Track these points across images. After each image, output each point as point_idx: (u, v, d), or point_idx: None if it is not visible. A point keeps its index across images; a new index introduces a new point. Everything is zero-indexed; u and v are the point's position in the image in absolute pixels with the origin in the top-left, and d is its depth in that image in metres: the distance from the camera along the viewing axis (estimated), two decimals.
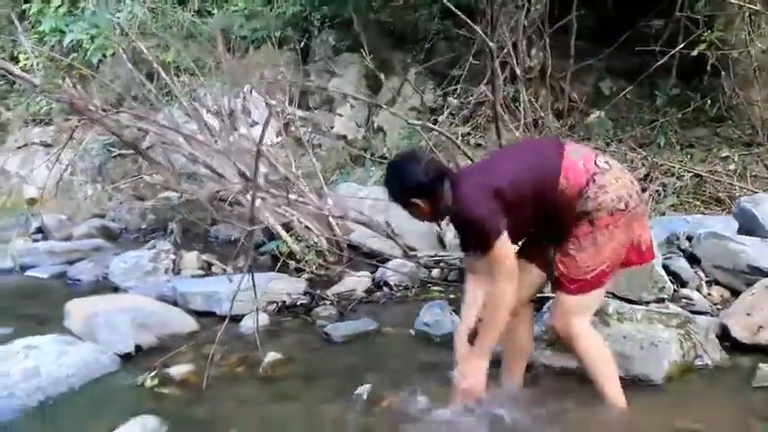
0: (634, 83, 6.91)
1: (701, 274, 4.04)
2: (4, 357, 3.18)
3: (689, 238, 4.28)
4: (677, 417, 2.64)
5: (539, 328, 3.21)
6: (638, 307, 3.30)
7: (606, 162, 2.54)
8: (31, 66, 9.10)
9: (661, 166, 5.84)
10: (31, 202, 9.04)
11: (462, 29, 6.14)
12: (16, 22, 7.55)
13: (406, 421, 2.62)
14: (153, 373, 3.18)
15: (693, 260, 4.15)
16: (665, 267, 3.86)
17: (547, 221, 2.58)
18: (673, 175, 5.76)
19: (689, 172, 5.72)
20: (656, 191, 5.51)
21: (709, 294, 3.91)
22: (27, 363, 3.14)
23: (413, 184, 2.61)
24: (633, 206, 2.51)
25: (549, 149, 2.62)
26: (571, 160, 2.51)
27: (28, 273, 6.15)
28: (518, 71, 5.21)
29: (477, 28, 3.35)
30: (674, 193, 5.53)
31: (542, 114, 5.62)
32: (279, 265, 4.93)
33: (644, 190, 5.51)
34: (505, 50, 5.79)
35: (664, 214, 5.22)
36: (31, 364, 3.13)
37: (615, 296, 3.45)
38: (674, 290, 3.73)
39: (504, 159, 2.85)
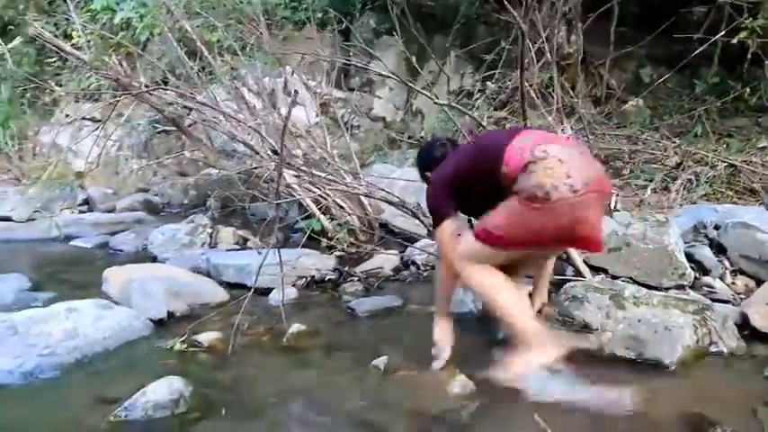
0: (673, 70, 6.82)
1: (727, 264, 4.05)
2: (46, 318, 3.34)
3: (716, 227, 4.28)
4: (685, 400, 2.68)
5: (553, 309, 3.28)
6: (655, 292, 3.33)
7: (544, 151, 2.61)
8: (84, 43, 9.37)
9: (694, 154, 5.80)
10: (78, 175, 9.33)
11: (501, 13, 6.17)
12: (69, 1, 7.75)
13: None
14: (182, 339, 3.34)
15: (721, 249, 4.16)
16: (689, 255, 3.88)
17: (501, 200, 2.72)
18: (706, 164, 5.71)
19: (723, 161, 5.66)
20: (688, 179, 5.48)
21: (733, 283, 3.92)
22: (67, 324, 3.31)
23: (425, 160, 3.14)
24: (558, 197, 2.53)
25: (504, 138, 2.79)
26: (514, 149, 2.67)
27: (73, 242, 6.45)
28: (549, 56, 5.20)
29: (512, 10, 3.37)
30: (706, 182, 5.48)
31: (575, 100, 5.60)
32: (307, 241, 5.05)
33: (675, 179, 5.50)
34: (545, 35, 5.80)
35: (695, 203, 5.19)
36: (71, 326, 3.30)
37: (634, 281, 3.49)
38: (696, 277, 3.74)
39: (465, 147, 3.19)
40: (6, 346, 3.10)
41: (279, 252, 3.75)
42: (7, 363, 2.98)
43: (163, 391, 2.59)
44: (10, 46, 10.33)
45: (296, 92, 4.38)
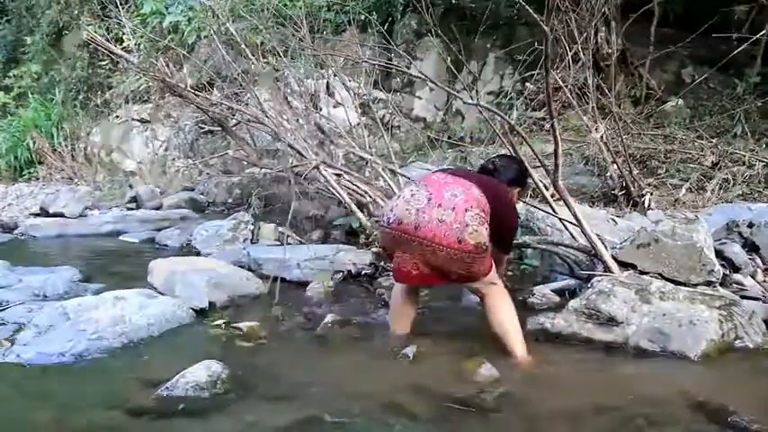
0: (712, 69, 6.77)
1: (759, 261, 4.04)
2: (96, 306, 3.53)
3: (750, 225, 4.28)
4: (705, 392, 2.71)
5: (579, 302, 3.35)
6: (681, 287, 3.38)
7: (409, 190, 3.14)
8: (134, 46, 9.68)
9: (732, 154, 5.76)
10: (128, 174, 9.65)
11: (541, 15, 6.18)
12: (119, 6, 8.04)
13: None
14: (222, 326, 3.50)
15: (753, 248, 4.16)
16: (719, 252, 3.89)
17: None
18: (744, 164, 5.67)
19: (761, 161, 5.62)
20: (725, 179, 5.45)
21: (764, 281, 3.92)
22: (115, 311, 3.49)
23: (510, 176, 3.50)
24: (383, 223, 3.17)
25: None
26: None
27: (122, 237, 6.73)
28: (583, 57, 5.23)
29: (534, 13, 3.45)
30: (743, 181, 5.45)
31: (612, 101, 5.62)
32: (346, 237, 5.18)
33: (711, 178, 5.49)
34: (584, 36, 5.82)
35: (731, 202, 5.17)
36: (118, 313, 3.48)
37: (662, 277, 3.52)
38: (726, 275, 3.75)
39: None
40: (59, 330, 3.31)
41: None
42: (60, 345, 3.18)
43: (202, 373, 2.74)
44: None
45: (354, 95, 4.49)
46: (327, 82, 8.52)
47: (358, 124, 7.42)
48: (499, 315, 3.16)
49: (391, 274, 4.67)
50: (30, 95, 11.89)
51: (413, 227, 2.99)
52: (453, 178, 3.18)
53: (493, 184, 3.31)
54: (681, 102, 7.08)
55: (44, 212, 7.80)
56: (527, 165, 3.75)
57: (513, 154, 4.19)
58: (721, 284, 3.67)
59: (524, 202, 4.55)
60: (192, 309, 3.84)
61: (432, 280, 3.13)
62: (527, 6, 3.58)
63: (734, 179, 5.50)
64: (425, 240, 2.97)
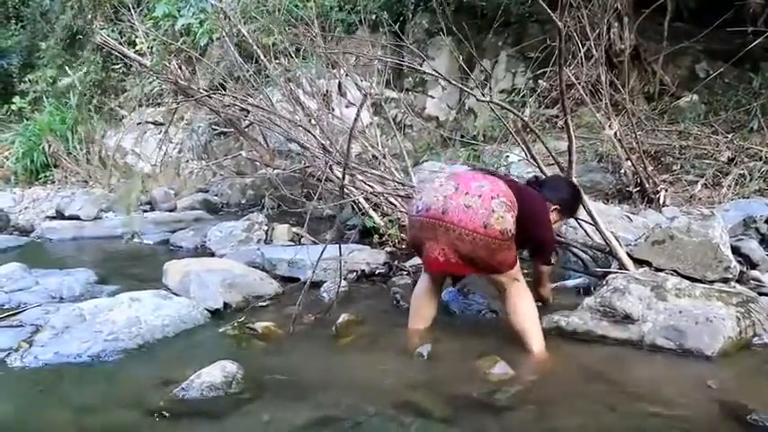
0: (727, 64, 6.71)
1: None
2: (111, 307, 3.56)
3: (767, 221, 4.25)
4: (723, 390, 2.69)
5: (594, 300, 3.33)
6: (697, 284, 3.35)
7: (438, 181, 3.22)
8: (147, 49, 9.73)
9: (747, 149, 5.71)
10: (142, 176, 9.69)
11: (554, 11, 6.15)
12: (132, 9, 8.08)
13: None
14: (237, 326, 3.52)
15: None
16: (736, 249, 3.86)
17: None
18: (760, 159, 5.62)
19: None
20: (741, 175, 5.41)
21: None
22: (130, 312, 3.52)
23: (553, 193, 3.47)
24: (409, 213, 3.30)
25: None
26: None
27: (136, 239, 6.74)
28: (596, 53, 5.20)
29: (548, 9, 3.43)
30: (759, 177, 5.40)
31: (625, 97, 5.59)
32: (360, 237, 5.18)
33: (727, 174, 5.44)
34: (597, 32, 5.79)
35: (747, 198, 5.12)
36: (133, 314, 3.51)
37: (678, 273, 3.49)
38: (742, 271, 3.72)
39: None
40: (76, 331, 3.34)
41: (339, 247, 3.94)
42: (77, 346, 3.21)
43: (217, 373, 2.74)
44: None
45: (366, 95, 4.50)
46: (339, 82, 8.54)
47: (370, 124, 7.44)
48: (520, 312, 3.17)
49: (405, 272, 4.76)
50: (45, 100, 11.97)
51: (440, 212, 3.04)
52: (482, 174, 3.25)
53: (525, 189, 3.33)
54: (695, 97, 7.04)
55: (60, 215, 7.87)
56: (581, 193, 3.70)
57: (527, 151, 4.18)
58: (738, 281, 3.64)
59: None
60: (207, 309, 3.87)
61: (458, 268, 3.12)
62: (541, 2, 3.56)
63: (750, 174, 5.44)
64: (452, 225, 3.00)
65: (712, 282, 3.51)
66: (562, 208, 3.48)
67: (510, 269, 3.13)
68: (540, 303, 3.50)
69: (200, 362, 2.86)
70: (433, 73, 4.63)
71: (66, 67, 11.68)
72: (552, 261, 3.52)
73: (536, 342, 3.12)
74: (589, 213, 3.75)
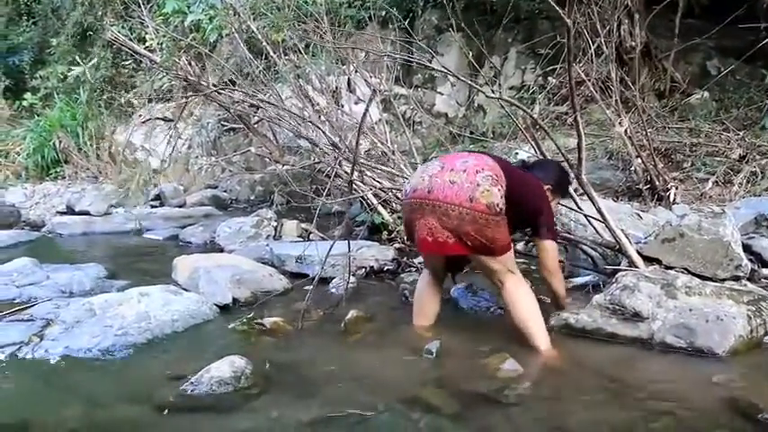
0: (738, 61, 6.67)
1: None
2: (121, 302, 3.58)
3: None
4: (734, 389, 2.67)
5: (604, 298, 3.32)
6: (708, 282, 3.33)
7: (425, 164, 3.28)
8: (157, 45, 9.75)
9: (759, 147, 5.67)
10: (152, 172, 9.73)
11: (564, 8, 6.13)
12: (142, 6, 8.10)
13: None
14: (245, 322, 3.53)
15: None
16: (747, 247, 3.84)
17: None
18: None
19: None
20: (752, 172, 5.37)
21: None
22: (140, 307, 3.54)
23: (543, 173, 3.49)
24: (402, 198, 3.29)
25: None
26: None
27: (146, 234, 6.80)
28: (606, 50, 5.18)
29: (557, 6, 3.42)
30: None
31: (636, 94, 5.56)
32: (369, 233, 5.17)
33: (738, 171, 5.41)
34: (607, 29, 5.77)
35: (759, 196, 5.09)
36: (142, 309, 3.52)
37: (688, 271, 3.48)
38: (753, 269, 3.70)
39: None
40: (86, 326, 3.36)
41: (348, 243, 3.92)
42: (87, 341, 3.23)
43: (226, 368, 2.75)
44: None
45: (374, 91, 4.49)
46: (349, 78, 8.54)
47: (380, 120, 7.44)
48: (520, 309, 3.13)
49: (414, 268, 4.76)
50: (55, 96, 12.03)
51: (426, 191, 3.05)
52: (468, 153, 3.26)
53: (515, 167, 3.34)
54: (706, 94, 7.00)
55: (70, 210, 7.92)
56: (569, 173, 3.73)
57: (536, 148, 4.17)
58: (749, 279, 3.62)
59: None
60: (216, 305, 3.87)
61: (448, 248, 3.06)
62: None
63: (762, 172, 5.41)
64: (437, 201, 3.00)
65: (723, 280, 3.49)
66: (554, 187, 3.50)
67: (503, 252, 3.09)
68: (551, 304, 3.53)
69: (208, 357, 2.87)
70: (443, 70, 4.63)
71: (79, 60, 11.72)
72: (558, 240, 3.51)
73: (540, 340, 3.09)
74: (599, 211, 3.73)
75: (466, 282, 3.95)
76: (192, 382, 2.68)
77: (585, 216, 4.10)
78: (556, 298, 3.52)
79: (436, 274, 3.49)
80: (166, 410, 2.53)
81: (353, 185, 5.77)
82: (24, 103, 12.65)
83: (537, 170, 3.53)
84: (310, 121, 6.07)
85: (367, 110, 3.72)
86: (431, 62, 8.40)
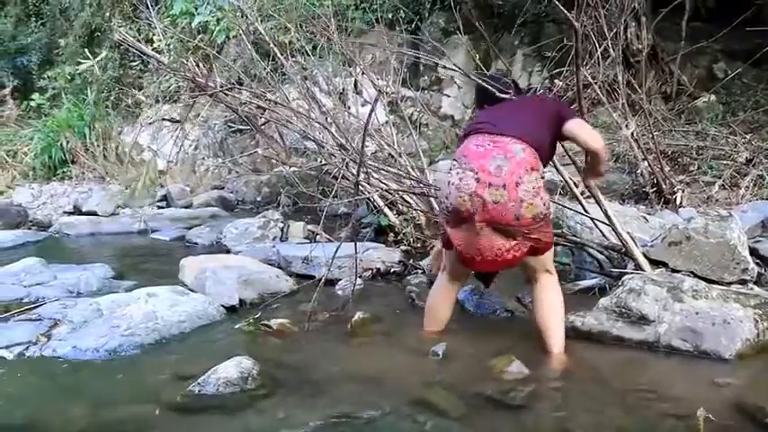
0: (746, 64, 6.66)
1: None
2: (128, 303, 3.60)
3: None
4: (740, 392, 2.68)
5: (610, 301, 3.32)
6: (714, 286, 3.33)
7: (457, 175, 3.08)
8: (164, 46, 9.79)
9: (766, 150, 5.66)
10: (159, 173, 9.75)
11: (571, 11, 6.14)
12: (149, 7, 8.13)
13: None
14: (252, 323, 3.54)
15: None
16: (754, 250, 3.83)
17: None
18: None
19: None
20: (759, 176, 5.36)
21: None
22: (147, 308, 3.56)
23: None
24: (444, 211, 3.18)
25: None
26: None
27: (153, 235, 6.82)
28: (613, 53, 5.18)
29: (563, 9, 3.43)
30: None
31: (642, 97, 5.56)
32: (375, 235, 5.18)
33: (745, 175, 5.40)
34: (614, 31, 5.77)
35: (766, 199, 5.08)
36: (150, 310, 3.54)
37: (695, 275, 3.48)
38: (760, 273, 3.70)
39: None
40: (93, 326, 3.39)
41: (355, 245, 3.97)
42: (94, 341, 3.25)
43: (233, 369, 2.76)
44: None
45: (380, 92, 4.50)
46: (355, 80, 8.55)
47: (386, 122, 7.44)
48: (546, 308, 3.16)
49: (420, 270, 4.76)
50: (63, 96, 12.07)
51: (469, 213, 3.00)
52: (493, 143, 3.07)
53: (523, 108, 3.40)
54: (713, 97, 6.99)
55: (77, 211, 7.95)
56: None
57: None
58: (756, 283, 3.62)
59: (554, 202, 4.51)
60: (223, 306, 3.89)
61: (503, 263, 3.10)
62: (556, 2, 3.55)
63: None
64: (483, 222, 2.99)
65: (730, 283, 3.50)
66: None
67: (545, 251, 3.14)
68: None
69: (215, 358, 2.88)
70: (454, 68, 4.62)
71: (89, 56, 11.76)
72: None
73: (557, 341, 3.11)
74: (605, 213, 3.73)
75: (471, 284, 3.95)
76: (198, 383, 2.69)
77: (592, 219, 4.10)
78: (599, 161, 3.40)
79: (460, 281, 3.48)
80: (173, 411, 2.55)
81: (360, 187, 5.80)
82: (32, 103, 12.69)
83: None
84: (317, 123, 6.07)
85: (372, 110, 3.70)
86: (437, 64, 8.43)
